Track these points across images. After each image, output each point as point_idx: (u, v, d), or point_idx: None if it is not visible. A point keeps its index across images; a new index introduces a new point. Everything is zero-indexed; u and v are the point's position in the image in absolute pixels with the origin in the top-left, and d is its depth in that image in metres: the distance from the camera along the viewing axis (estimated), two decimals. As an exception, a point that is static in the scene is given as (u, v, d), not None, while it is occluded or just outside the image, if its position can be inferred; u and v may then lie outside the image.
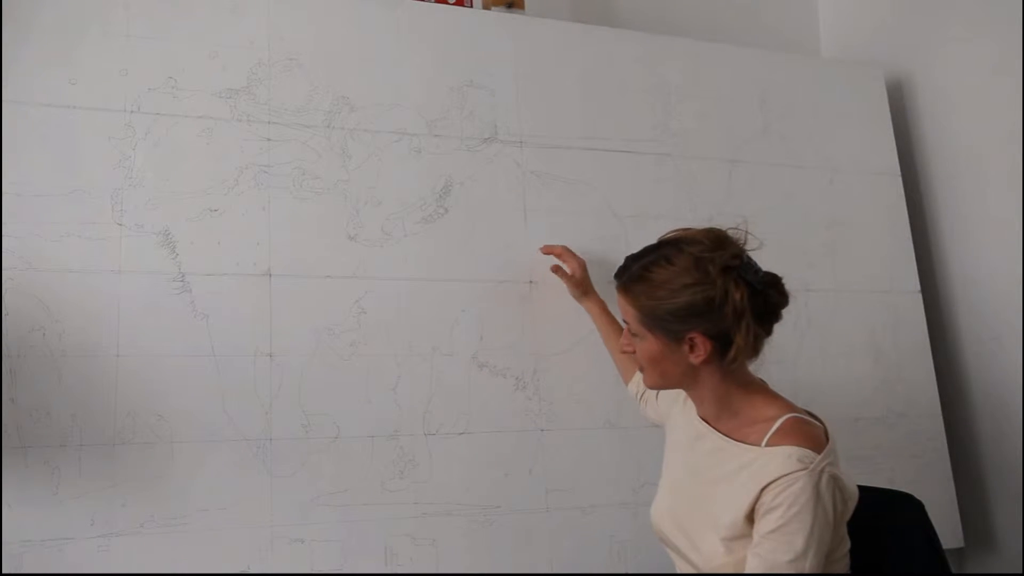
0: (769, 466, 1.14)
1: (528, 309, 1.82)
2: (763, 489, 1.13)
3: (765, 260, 2.15)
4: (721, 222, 1.99)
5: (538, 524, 1.72)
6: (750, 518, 1.15)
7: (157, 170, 1.62)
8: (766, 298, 1.20)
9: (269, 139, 1.70)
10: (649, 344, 1.24)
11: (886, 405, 2.06)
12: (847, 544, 1.22)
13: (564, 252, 1.78)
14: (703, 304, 1.17)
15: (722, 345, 1.19)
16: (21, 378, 1.47)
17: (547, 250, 1.80)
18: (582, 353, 1.83)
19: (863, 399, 2.04)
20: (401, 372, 1.70)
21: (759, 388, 1.27)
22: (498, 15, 1.99)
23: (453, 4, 2.00)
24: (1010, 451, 2.02)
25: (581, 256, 1.79)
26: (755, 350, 1.21)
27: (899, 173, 2.23)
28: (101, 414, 1.50)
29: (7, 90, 1.55)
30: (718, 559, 1.19)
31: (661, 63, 2.07)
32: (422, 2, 1.92)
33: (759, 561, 1.12)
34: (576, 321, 1.84)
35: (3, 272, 1.48)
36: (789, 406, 1.23)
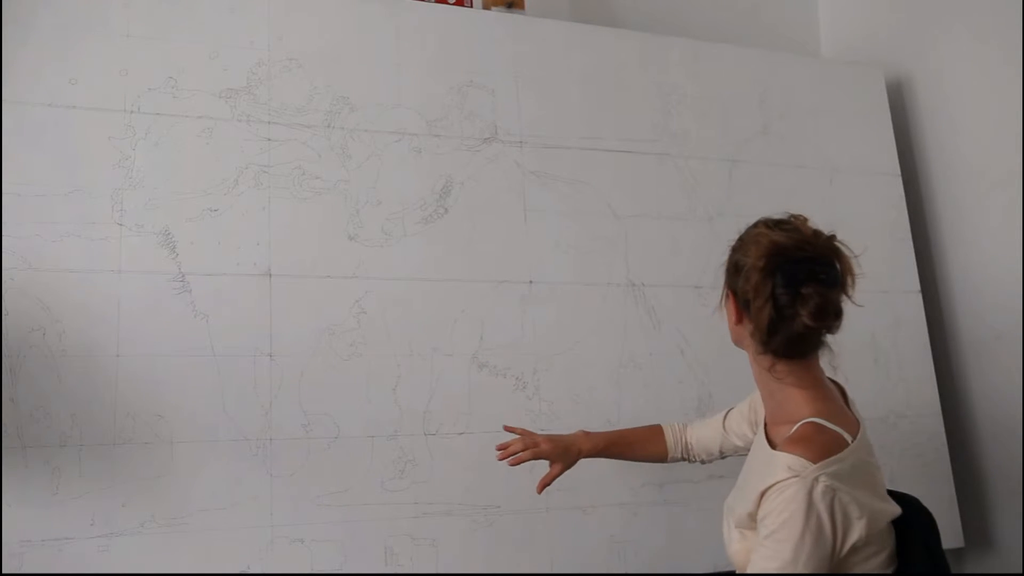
0: (769, 472, 1.14)
1: (528, 309, 1.82)
2: (761, 495, 1.13)
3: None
4: (721, 222, 2.03)
5: (538, 524, 1.72)
6: (754, 519, 1.16)
7: (157, 170, 1.62)
8: (795, 307, 1.17)
9: (269, 139, 1.70)
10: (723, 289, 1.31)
11: (886, 405, 2.05)
12: (880, 556, 1.16)
13: (526, 451, 1.49)
14: (737, 265, 1.23)
15: (750, 319, 1.22)
16: (21, 378, 1.47)
17: (504, 457, 1.51)
18: (582, 353, 1.84)
19: (863, 399, 2.01)
20: (401, 372, 1.70)
21: (807, 386, 1.23)
22: (498, 15, 1.99)
23: (453, 4, 2.00)
24: (1010, 451, 2.02)
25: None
26: (774, 340, 1.19)
27: (899, 173, 2.23)
28: (101, 414, 1.50)
29: (7, 90, 1.55)
30: (734, 545, 1.22)
31: (661, 63, 2.07)
32: (422, 2, 1.92)
33: (753, 567, 1.13)
34: (576, 321, 1.84)
35: (3, 272, 1.48)
36: (821, 410, 1.20)
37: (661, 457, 1.56)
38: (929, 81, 2.29)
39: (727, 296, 1.28)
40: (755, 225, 1.27)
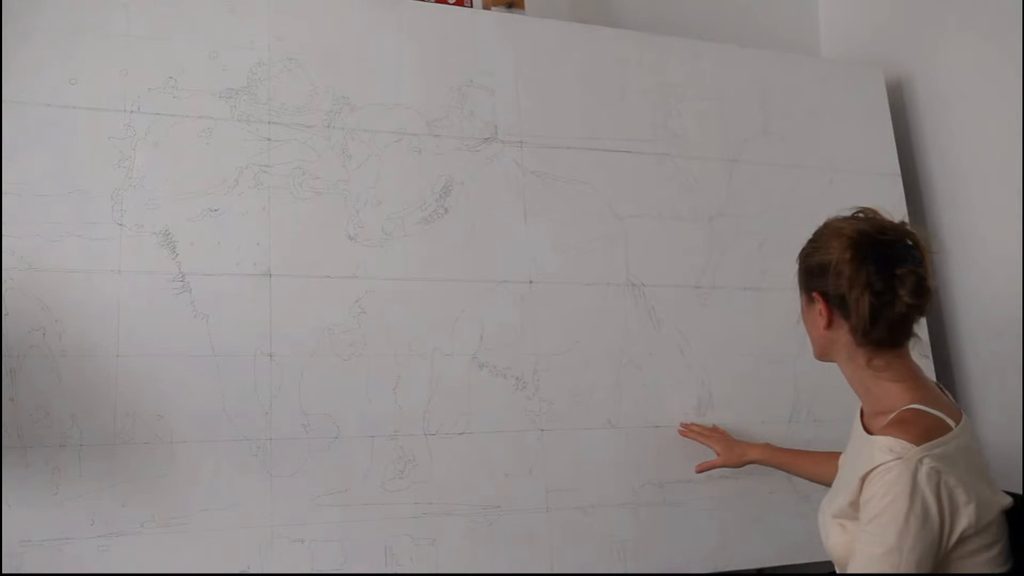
0: (868, 456, 1.12)
1: (528, 309, 1.82)
2: (862, 480, 1.11)
3: (765, 260, 2.16)
4: (721, 222, 2.04)
5: (538, 524, 1.72)
6: (856, 508, 1.14)
7: (157, 170, 1.62)
8: (894, 290, 1.17)
9: (269, 139, 1.70)
10: (801, 301, 1.32)
11: (886, 405, 2.06)
12: (992, 550, 1.13)
13: (700, 435, 1.79)
14: (821, 265, 1.22)
15: (845, 315, 1.21)
16: (21, 378, 1.47)
17: (685, 434, 1.82)
18: (582, 353, 1.84)
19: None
20: (401, 372, 1.70)
21: (905, 379, 1.23)
22: (498, 15, 1.99)
23: (453, 4, 2.00)
24: (1010, 451, 2.02)
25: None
26: (877, 329, 1.18)
27: (899, 173, 2.23)
28: (101, 414, 1.50)
29: (7, 90, 1.55)
30: (835, 538, 1.19)
31: (661, 63, 2.07)
32: (422, 2, 1.92)
33: (857, 555, 1.10)
34: (576, 321, 1.84)
35: (3, 272, 1.48)
36: (919, 397, 1.19)
37: (828, 481, 1.58)
38: (929, 81, 2.29)
39: (811, 302, 1.27)
40: (825, 225, 1.27)
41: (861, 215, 1.25)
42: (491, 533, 1.69)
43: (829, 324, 1.24)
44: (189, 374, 1.56)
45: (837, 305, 1.22)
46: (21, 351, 1.47)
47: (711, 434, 1.80)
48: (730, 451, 1.74)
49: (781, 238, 2.06)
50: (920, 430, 1.12)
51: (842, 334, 1.23)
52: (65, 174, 1.56)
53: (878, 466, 1.09)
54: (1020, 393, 2.00)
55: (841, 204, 2.14)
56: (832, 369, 1.91)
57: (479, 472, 1.70)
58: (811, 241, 1.29)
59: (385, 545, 1.62)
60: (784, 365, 1.98)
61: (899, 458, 1.08)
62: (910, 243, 1.21)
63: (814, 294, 1.25)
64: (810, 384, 2.00)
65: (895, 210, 2.17)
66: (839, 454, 1.55)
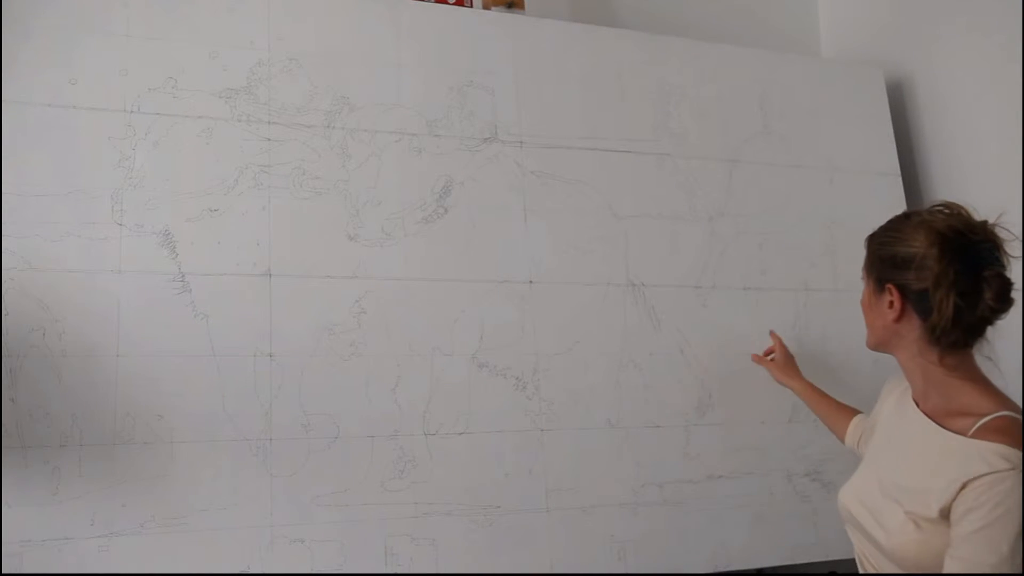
0: (973, 461, 1.07)
1: (528, 309, 1.82)
2: (964, 485, 1.07)
3: (765, 260, 2.16)
4: (721, 222, 2.04)
5: (538, 524, 1.72)
6: (945, 513, 1.10)
7: (157, 170, 1.62)
8: (980, 292, 1.12)
9: (269, 139, 1.70)
10: (865, 289, 1.27)
11: (886, 405, 2.06)
12: None
13: (778, 344, 1.87)
14: (903, 257, 1.16)
15: (921, 311, 1.16)
16: (21, 378, 1.47)
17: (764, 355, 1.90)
18: (582, 353, 1.84)
19: (863, 399, 2.03)
20: (401, 372, 1.70)
21: (977, 379, 1.19)
22: (498, 15, 1.99)
23: (453, 4, 2.00)
24: (1010, 451, 2.02)
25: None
26: (955, 330, 1.14)
27: (899, 173, 2.23)
28: (101, 414, 1.50)
29: (7, 90, 1.55)
30: (905, 536, 1.14)
31: (661, 63, 2.07)
32: (422, 2, 1.92)
33: (960, 564, 1.06)
34: (576, 321, 1.84)
35: (3, 272, 1.48)
36: (1006, 403, 1.15)
37: (840, 439, 1.63)
38: (929, 81, 2.29)
39: (881, 291, 1.21)
40: (907, 216, 1.21)
41: (947, 210, 1.17)
42: (491, 533, 1.69)
43: (899, 317, 1.19)
44: (189, 374, 1.56)
45: (914, 301, 1.16)
46: (21, 351, 1.47)
47: (781, 349, 1.87)
48: (784, 368, 1.82)
49: (781, 238, 2.06)
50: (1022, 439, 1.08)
51: (912, 329, 1.18)
52: (65, 174, 1.56)
53: (989, 474, 1.05)
54: (1020, 394, 1.99)
55: (841, 204, 2.18)
56: (832, 369, 1.91)
57: (479, 472, 1.70)
58: (888, 229, 1.22)
59: (385, 545, 1.62)
60: (784, 365, 1.98)
61: (1013, 468, 1.05)
62: (998, 244, 1.15)
63: (888, 285, 1.19)
64: (810, 384, 2.00)
65: (895, 210, 2.19)
66: (855, 413, 1.59)
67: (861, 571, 1.28)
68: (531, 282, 1.84)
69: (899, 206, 2.19)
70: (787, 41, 2.61)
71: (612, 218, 1.93)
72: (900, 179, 2.22)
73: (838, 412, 1.66)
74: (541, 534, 1.72)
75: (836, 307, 2.06)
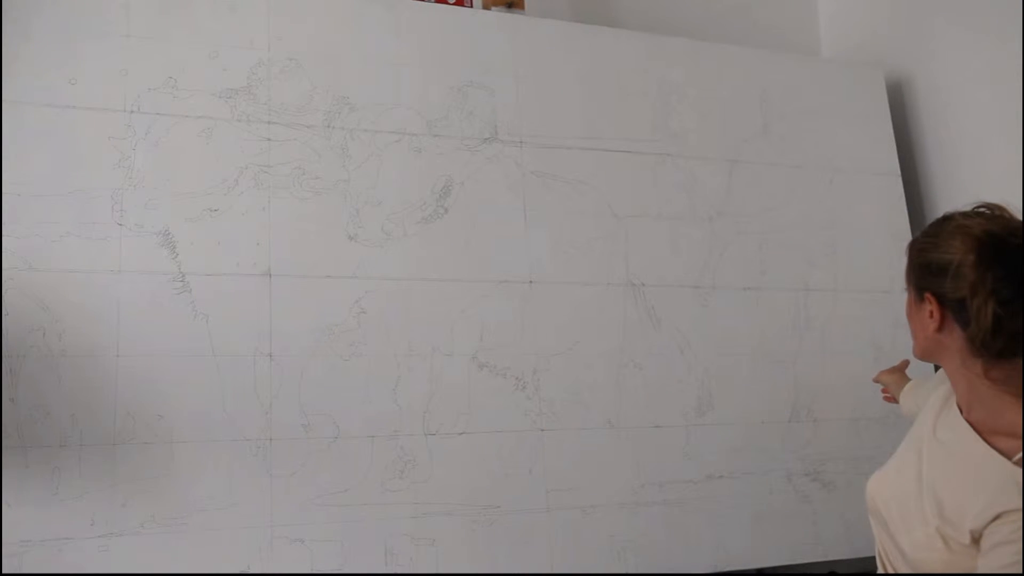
0: (1012, 491, 1.02)
1: (528, 309, 1.82)
2: (998, 516, 1.02)
3: (765, 260, 2.15)
4: (721, 222, 2.04)
5: (538, 524, 1.72)
6: (976, 537, 1.05)
7: (157, 170, 1.62)
8: (1022, 296, 1.06)
9: (269, 139, 1.70)
10: (907, 298, 1.21)
11: (886, 405, 2.05)
12: None
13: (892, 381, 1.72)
14: (940, 265, 1.11)
15: (961, 321, 1.10)
16: (21, 378, 1.47)
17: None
18: (582, 353, 1.84)
19: (863, 399, 2.04)
20: (401, 372, 1.70)
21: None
22: (498, 15, 1.99)
23: (453, 4, 2.00)
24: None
25: None
26: (998, 339, 1.07)
27: (899, 173, 2.23)
28: (101, 414, 1.50)
29: (7, 90, 1.55)
30: (933, 552, 1.09)
31: (661, 63, 2.07)
32: (422, 2, 1.92)
33: None
34: (576, 321, 1.84)
35: (3, 272, 1.48)
36: None
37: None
38: (929, 81, 2.29)
39: (921, 301, 1.15)
40: (945, 219, 1.15)
41: (987, 211, 1.11)
42: (491, 533, 1.69)
43: (940, 327, 1.13)
44: (189, 374, 1.56)
45: (953, 309, 1.10)
46: (21, 351, 1.47)
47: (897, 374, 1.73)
48: (898, 386, 1.68)
49: (781, 238, 2.06)
50: None
51: (955, 339, 1.12)
52: (65, 174, 1.56)
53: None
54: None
55: (841, 204, 2.18)
56: (832, 369, 1.90)
57: (479, 472, 1.70)
58: (927, 235, 1.16)
59: (385, 545, 1.62)
60: (784, 365, 1.98)
61: None
62: (1008, 233, 1.08)
63: (926, 294, 1.14)
64: (810, 384, 2.00)
65: (895, 210, 2.20)
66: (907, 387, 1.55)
67: (881, 571, 1.23)
68: (531, 282, 1.84)
69: (899, 206, 2.20)
70: (787, 41, 2.61)
71: (612, 218, 1.93)
72: (900, 179, 2.22)
73: (905, 394, 1.61)
74: (541, 534, 1.72)
75: (836, 307, 2.06)
